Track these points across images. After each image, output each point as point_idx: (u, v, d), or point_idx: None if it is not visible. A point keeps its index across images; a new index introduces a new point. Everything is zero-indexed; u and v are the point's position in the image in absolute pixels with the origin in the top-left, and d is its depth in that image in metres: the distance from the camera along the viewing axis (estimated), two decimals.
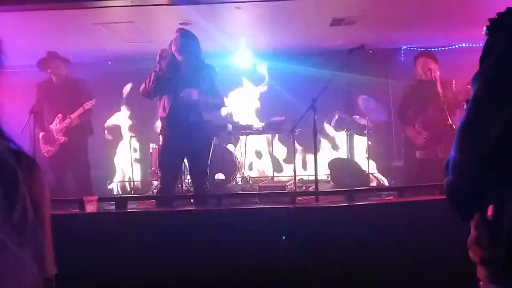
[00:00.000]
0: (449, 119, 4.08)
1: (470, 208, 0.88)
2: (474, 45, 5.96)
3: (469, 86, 4.12)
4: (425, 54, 4.53)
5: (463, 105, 0.90)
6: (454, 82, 4.47)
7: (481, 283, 0.89)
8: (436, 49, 5.95)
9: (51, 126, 4.54)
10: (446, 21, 5.00)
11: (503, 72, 0.83)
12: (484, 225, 0.86)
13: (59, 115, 4.50)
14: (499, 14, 0.87)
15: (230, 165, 5.39)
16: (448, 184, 0.88)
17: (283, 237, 2.51)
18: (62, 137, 4.50)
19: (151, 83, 3.58)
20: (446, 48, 6.06)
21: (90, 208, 2.80)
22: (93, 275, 2.55)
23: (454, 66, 4.68)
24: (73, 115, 4.44)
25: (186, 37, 3.62)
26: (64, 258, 2.58)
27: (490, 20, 0.88)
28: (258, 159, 6.53)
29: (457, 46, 6.07)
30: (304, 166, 6.35)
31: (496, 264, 0.84)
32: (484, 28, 0.88)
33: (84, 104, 4.45)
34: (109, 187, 6.41)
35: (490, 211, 0.84)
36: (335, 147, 6.48)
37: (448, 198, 0.89)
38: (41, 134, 4.53)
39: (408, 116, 4.60)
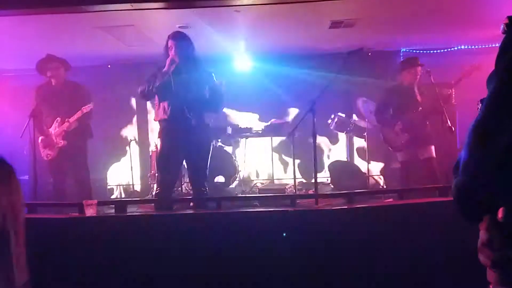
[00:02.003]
0: (448, 121, 4.13)
1: (480, 210, 0.86)
2: (473, 47, 5.98)
3: (450, 91, 4.30)
4: (413, 62, 4.61)
5: (478, 104, 0.88)
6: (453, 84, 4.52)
7: (491, 286, 0.88)
8: (434, 51, 5.97)
9: (50, 129, 4.54)
10: (445, 24, 5.02)
11: None
12: (495, 227, 0.84)
13: (58, 118, 4.50)
14: None
15: (230, 168, 5.39)
16: (457, 185, 0.86)
17: (284, 234, 2.50)
18: (61, 141, 4.49)
19: (154, 86, 3.58)
20: (445, 50, 6.08)
21: (90, 211, 2.79)
22: (92, 278, 2.54)
23: (452, 68, 4.70)
24: (71, 119, 4.44)
25: (182, 40, 3.62)
26: (64, 262, 2.58)
27: (509, 17, 0.85)
28: (257, 161, 6.53)
29: (455, 48, 6.08)
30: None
31: (508, 266, 0.83)
32: (502, 26, 0.86)
33: (82, 108, 4.44)
34: (109, 190, 6.41)
35: (500, 213, 0.82)
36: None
37: (457, 199, 0.86)
38: (40, 138, 4.53)
39: (385, 118, 4.67)
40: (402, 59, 4.88)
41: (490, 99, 0.84)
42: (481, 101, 0.86)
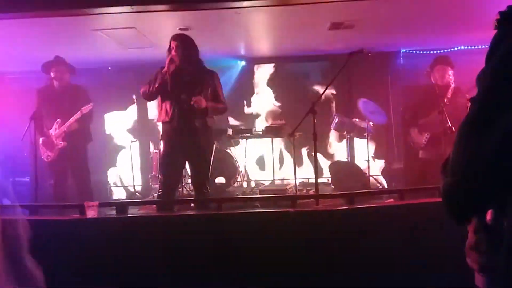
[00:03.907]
0: (449, 121, 4.13)
1: (468, 212, 0.84)
2: (472, 47, 5.98)
3: (467, 95, 4.27)
4: (443, 61, 4.59)
5: (467, 103, 0.85)
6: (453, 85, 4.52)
7: None
8: (434, 52, 5.97)
9: (50, 131, 4.55)
10: (445, 24, 5.02)
11: (511, 69, 0.77)
12: (483, 230, 0.82)
13: (58, 120, 4.51)
14: (510, 7, 0.82)
15: (231, 169, 5.40)
16: (445, 186, 0.84)
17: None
18: (61, 142, 4.50)
19: (155, 86, 3.58)
20: (445, 51, 6.07)
21: (91, 213, 2.80)
22: (93, 280, 2.55)
23: (453, 69, 4.69)
24: (71, 120, 4.45)
25: (184, 42, 3.62)
26: (65, 263, 2.58)
27: (501, 13, 0.82)
28: (258, 162, 6.53)
29: (455, 48, 6.08)
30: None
31: (495, 270, 0.81)
32: (494, 22, 0.83)
33: (82, 108, 4.46)
34: (110, 192, 6.42)
35: (489, 215, 0.81)
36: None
37: (445, 201, 0.84)
38: (41, 139, 4.54)
39: (413, 118, 4.67)
40: (432, 58, 4.81)
41: (480, 98, 0.81)
42: (471, 99, 0.83)
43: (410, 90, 5.31)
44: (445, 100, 4.36)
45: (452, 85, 4.42)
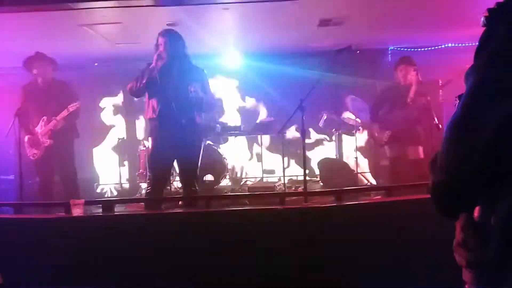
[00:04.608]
0: (436, 118, 4.17)
1: (457, 208, 0.84)
2: (459, 45, 6.05)
3: (428, 98, 4.36)
4: (406, 61, 4.64)
5: (455, 100, 0.84)
6: (440, 82, 4.56)
7: (467, 286, 0.87)
8: (422, 49, 6.02)
9: (36, 129, 4.48)
10: (432, 22, 5.06)
11: (500, 66, 0.77)
12: (470, 227, 0.83)
13: (44, 117, 4.44)
14: (498, 3, 0.81)
15: (219, 166, 5.38)
16: (434, 182, 0.84)
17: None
18: (47, 140, 4.43)
19: (142, 82, 3.54)
20: (432, 48, 6.13)
21: (77, 211, 2.76)
22: (79, 279, 2.51)
23: (439, 66, 4.75)
24: (58, 118, 4.38)
25: (172, 38, 3.59)
26: (50, 262, 2.53)
27: (489, 10, 0.81)
28: (247, 159, 6.52)
29: (442, 46, 6.14)
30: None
31: (483, 267, 0.81)
32: (482, 19, 0.82)
33: (68, 107, 4.39)
34: (97, 190, 6.35)
35: (476, 212, 0.81)
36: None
37: (434, 197, 0.84)
38: (26, 137, 4.46)
39: (377, 115, 4.72)
40: (396, 58, 4.88)
41: (468, 95, 0.80)
42: (459, 97, 0.82)
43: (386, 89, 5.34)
44: (408, 100, 4.43)
45: (414, 85, 4.45)
